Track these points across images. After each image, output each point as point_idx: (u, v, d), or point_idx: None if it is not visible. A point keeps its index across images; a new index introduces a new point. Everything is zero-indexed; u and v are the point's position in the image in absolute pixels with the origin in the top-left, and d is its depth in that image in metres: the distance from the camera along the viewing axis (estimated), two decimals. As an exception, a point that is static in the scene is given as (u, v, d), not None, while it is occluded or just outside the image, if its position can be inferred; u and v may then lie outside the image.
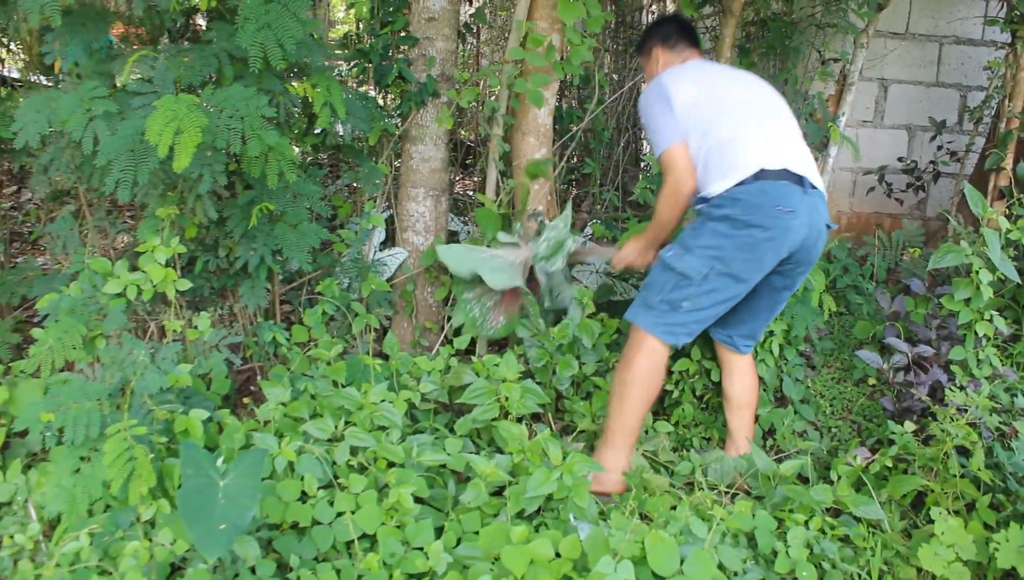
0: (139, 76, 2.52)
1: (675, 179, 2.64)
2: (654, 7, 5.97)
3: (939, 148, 4.38)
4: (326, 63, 2.90)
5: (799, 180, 2.53)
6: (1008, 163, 3.76)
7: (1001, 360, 3.01)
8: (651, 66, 3.02)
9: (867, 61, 4.19)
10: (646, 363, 2.60)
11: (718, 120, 2.64)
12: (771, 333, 3.04)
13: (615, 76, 5.50)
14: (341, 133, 3.13)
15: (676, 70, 2.80)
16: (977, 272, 2.83)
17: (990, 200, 3.81)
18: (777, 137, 2.63)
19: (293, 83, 2.88)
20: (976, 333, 2.87)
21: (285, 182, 2.60)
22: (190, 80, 2.52)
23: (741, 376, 2.89)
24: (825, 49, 4.07)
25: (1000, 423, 2.76)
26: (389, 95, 3.76)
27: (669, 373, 3.04)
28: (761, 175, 2.51)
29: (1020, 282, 3.00)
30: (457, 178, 5.80)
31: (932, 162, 4.33)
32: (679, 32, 2.99)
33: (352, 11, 3.52)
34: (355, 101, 3.03)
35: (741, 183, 2.52)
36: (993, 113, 4.10)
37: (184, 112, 2.22)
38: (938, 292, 3.11)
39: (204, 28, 2.98)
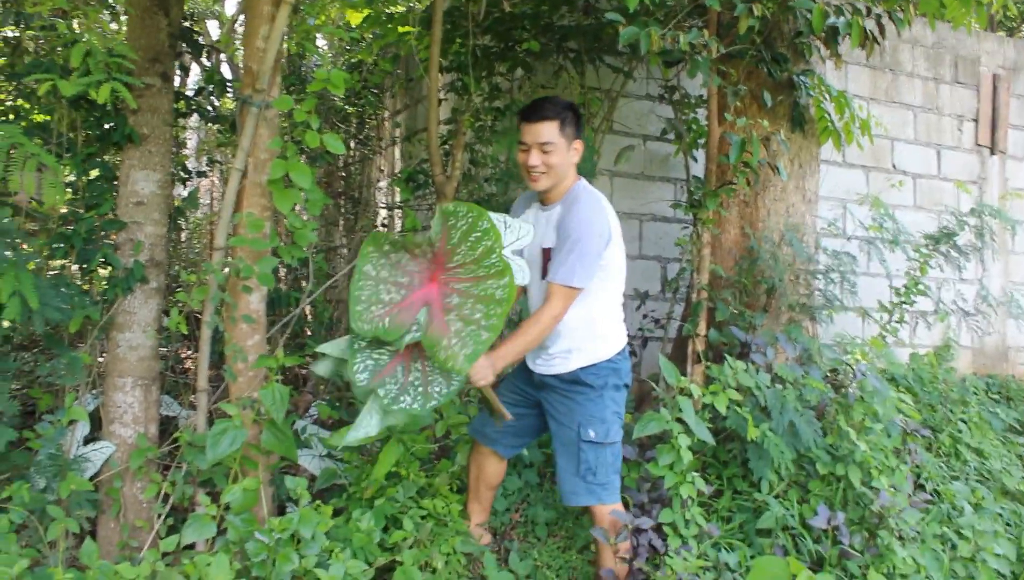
0: None
1: (559, 314, 2.78)
2: (382, 183, 6.21)
3: (644, 316, 4.76)
4: (20, 248, 2.73)
5: None
6: (702, 329, 4.14)
7: (706, 517, 3.20)
8: (559, 152, 2.86)
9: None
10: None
11: (618, 279, 2.96)
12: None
13: (345, 250, 5.59)
14: (34, 327, 2.90)
15: (606, 204, 2.91)
16: (676, 437, 3.04)
17: (690, 363, 4.15)
18: None
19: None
20: (681, 494, 3.05)
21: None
22: None
23: (499, 475, 3.26)
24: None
25: None
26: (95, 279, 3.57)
27: (386, 549, 2.98)
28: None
29: (712, 444, 3.26)
30: (185, 354, 5.55)
31: (640, 330, 4.70)
32: None
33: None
34: (51, 289, 2.84)
35: (621, 351, 2.94)
36: (687, 284, 4.54)
37: None
38: (648, 456, 3.30)
39: None
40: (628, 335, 3.05)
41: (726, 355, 3.52)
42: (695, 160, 4.89)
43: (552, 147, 2.84)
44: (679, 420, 3.09)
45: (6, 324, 3.26)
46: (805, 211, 4.56)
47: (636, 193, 5.24)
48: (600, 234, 2.84)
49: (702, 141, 4.47)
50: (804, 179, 4.54)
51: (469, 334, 2.48)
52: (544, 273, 2.90)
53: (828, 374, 3.94)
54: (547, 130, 2.84)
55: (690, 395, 3.12)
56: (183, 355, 5.44)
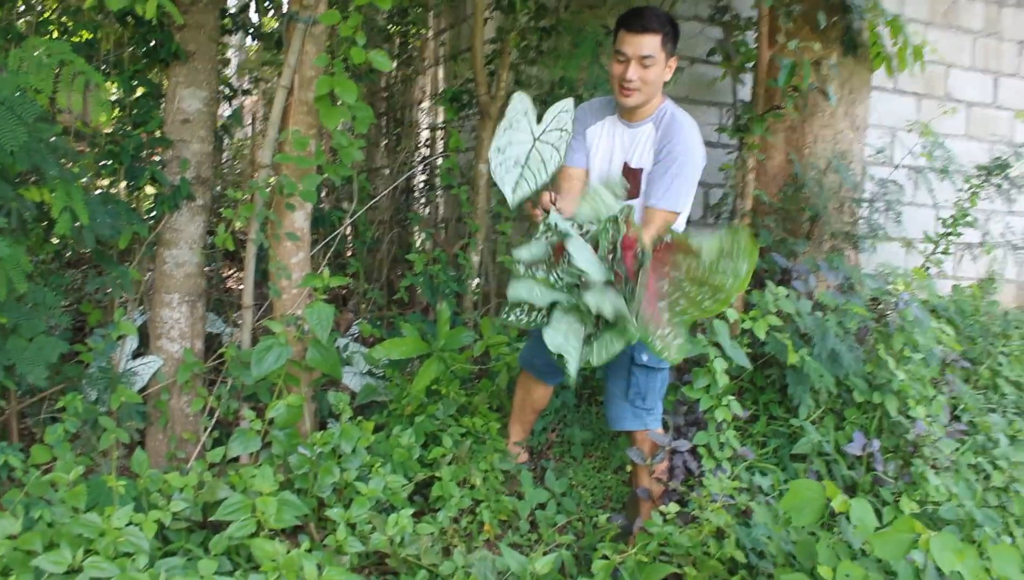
0: None
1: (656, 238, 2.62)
2: (424, 103, 6.17)
3: (686, 242, 4.73)
4: (68, 166, 2.77)
5: None
6: (743, 256, 4.12)
7: (741, 441, 3.23)
8: (658, 67, 2.74)
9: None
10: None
11: (690, 202, 2.85)
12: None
13: (387, 171, 5.59)
14: (84, 243, 2.97)
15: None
16: (712, 361, 3.06)
17: (730, 290, 4.13)
18: None
19: (29, 188, 2.71)
20: (716, 418, 3.07)
21: (17, 294, 2.44)
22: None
23: (545, 399, 3.30)
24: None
25: (747, 503, 2.96)
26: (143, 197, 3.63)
27: (425, 465, 3.07)
28: None
29: (749, 368, 3.27)
30: (228, 273, 5.65)
31: (681, 254, 4.67)
32: None
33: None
34: (100, 205, 2.90)
35: None
36: (730, 210, 4.50)
37: None
38: (685, 379, 3.32)
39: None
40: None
41: (767, 281, 3.50)
42: (742, 84, 4.78)
43: (652, 61, 2.70)
44: (715, 344, 3.10)
45: (56, 241, 3.34)
46: (853, 138, 4.47)
47: (680, 117, 5.15)
48: (701, 158, 2.80)
49: (750, 64, 4.37)
50: (854, 105, 4.44)
51: (678, 325, 2.36)
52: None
53: (869, 303, 3.91)
54: (650, 43, 2.68)
55: (726, 319, 3.12)
56: (225, 274, 5.53)
